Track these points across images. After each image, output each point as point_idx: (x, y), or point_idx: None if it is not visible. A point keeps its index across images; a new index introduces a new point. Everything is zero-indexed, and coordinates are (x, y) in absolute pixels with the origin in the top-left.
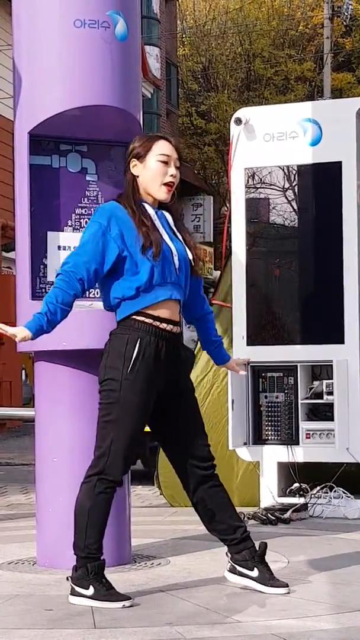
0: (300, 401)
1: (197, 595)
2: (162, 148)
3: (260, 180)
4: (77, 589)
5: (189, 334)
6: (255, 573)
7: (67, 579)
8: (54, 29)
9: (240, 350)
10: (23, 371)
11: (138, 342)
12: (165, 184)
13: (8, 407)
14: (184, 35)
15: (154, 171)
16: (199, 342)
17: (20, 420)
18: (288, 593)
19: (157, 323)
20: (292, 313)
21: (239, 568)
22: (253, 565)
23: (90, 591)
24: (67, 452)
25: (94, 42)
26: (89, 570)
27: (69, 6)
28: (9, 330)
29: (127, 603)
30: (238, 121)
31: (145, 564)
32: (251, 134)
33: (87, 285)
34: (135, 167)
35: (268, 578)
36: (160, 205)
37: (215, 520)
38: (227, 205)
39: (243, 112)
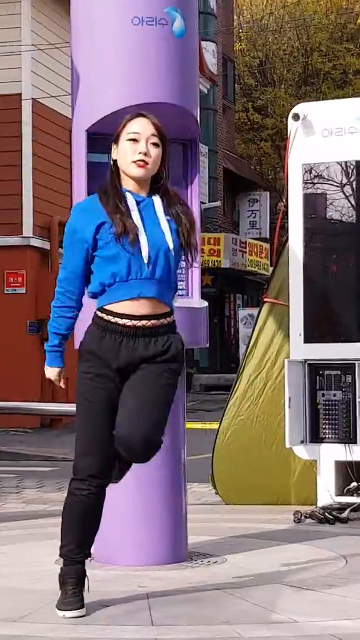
0: (358, 399)
1: (253, 594)
2: (131, 126)
3: (318, 175)
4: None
5: (245, 331)
6: None
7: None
8: (111, 26)
9: (297, 347)
10: None
11: (89, 337)
12: (134, 162)
13: (64, 403)
14: (240, 30)
15: (122, 152)
16: (252, 340)
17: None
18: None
19: (115, 319)
20: (350, 310)
21: None
22: None
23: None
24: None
25: (151, 40)
26: (62, 571)
27: (127, 3)
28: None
29: (67, 614)
30: (296, 117)
31: (202, 562)
32: (309, 129)
33: (82, 294)
34: (114, 152)
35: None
36: (156, 191)
37: None
38: (284, 201)
39: (301, 108)
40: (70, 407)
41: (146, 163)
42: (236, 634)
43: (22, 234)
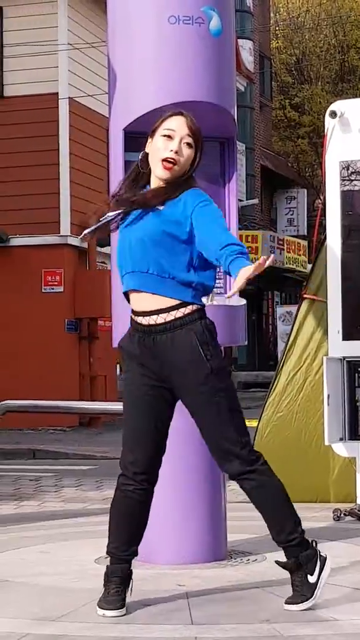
0: None
1: None
2: (169, 123)
3: (356, 172)
4: None
5: (283, 328)
6: None
7: None
8: (148, 25)
9: (336, 345)
10: (117, 366)
11: (125, 336)
12: (164, 160)
13: (103, 402)
14: (277, 28)
15: (155, 147)
16: (291, 336)
17: (115, 414)
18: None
19: (133, 316)
20: None
21: None
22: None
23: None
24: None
25: (188, 39)
26: (107, 569)
27: (163, 2)
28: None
29: (107, 613)
30: (333, 114)
31: (241, 560)
32: (346, 126)
33: None
34: (148, 145)
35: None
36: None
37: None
38: (321, 198)
39: (338, 105)
40: (109, 406)
41: (174, 163)
42: (276, 632)
43: (59, 233)
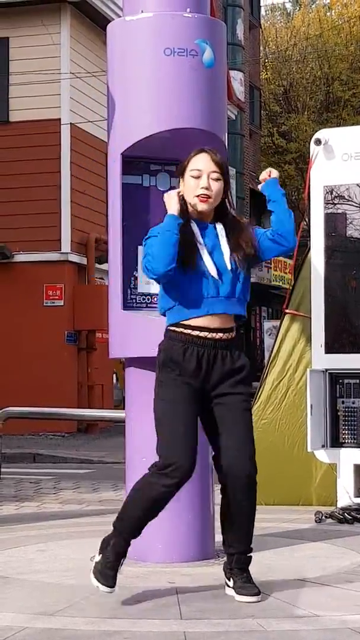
0: None
1: (277, 590)
2: (194, 163)
3: (338, 196)
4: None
5: (269, 341)
6: (231, 583)
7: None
8: (145, 56)
9: (319, 358)
10: (114, 375)
11: (171, 350)
12: (197, 196)
13: (100, 409)
14: (266, 60)
15: (187, 186)
16: (274, 348)
17: (111, 421)
18: (258, 601)
19: (196, 332)
20: None
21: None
22: (229, 576)
23: (97, 558)
24: (155, 452)
25: (182, 69)
26: (110, 543)
27: (159, 36)
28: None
29: (101, 588)
30: (318, 142)
31: None
32: (330, 153)
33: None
34: (181, 185)
35: (239, 586)
36: (218, 219)
37: (223, 526)
38: (306, 220)
39: (322, 133)
40: (106, 413)
41: (208, 197)
42: (260, 627)
43: (60, 250)
